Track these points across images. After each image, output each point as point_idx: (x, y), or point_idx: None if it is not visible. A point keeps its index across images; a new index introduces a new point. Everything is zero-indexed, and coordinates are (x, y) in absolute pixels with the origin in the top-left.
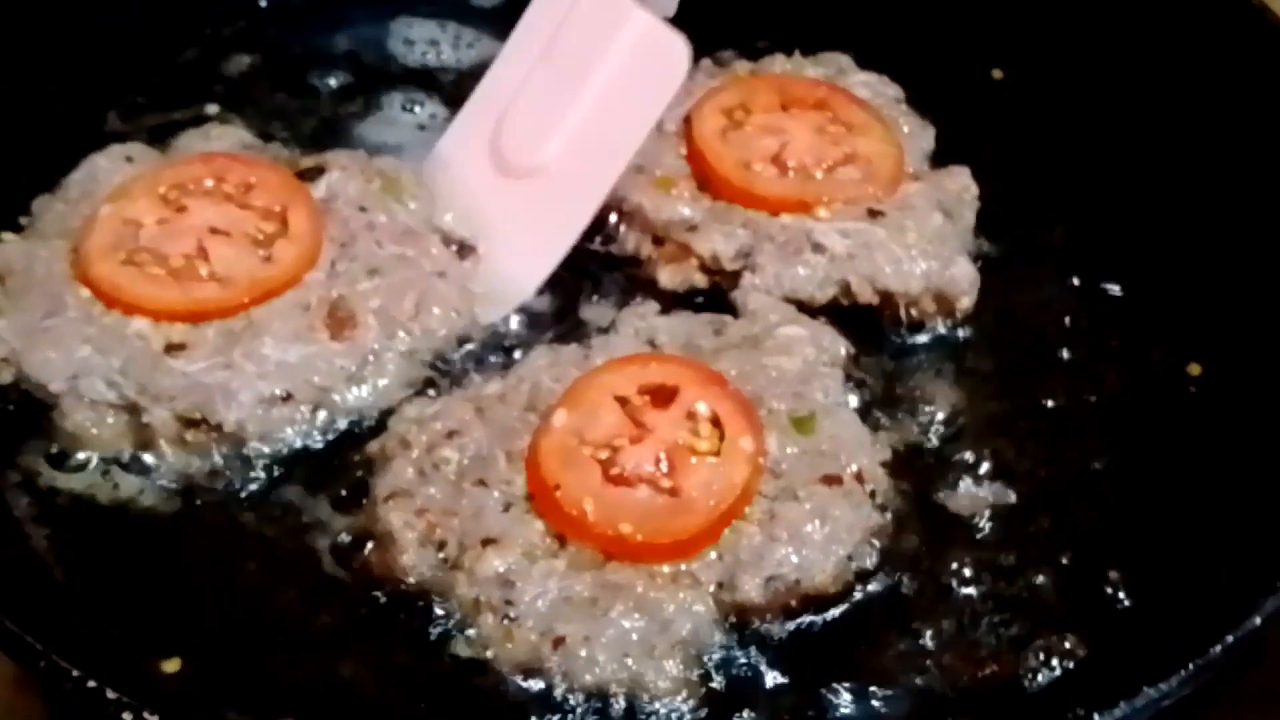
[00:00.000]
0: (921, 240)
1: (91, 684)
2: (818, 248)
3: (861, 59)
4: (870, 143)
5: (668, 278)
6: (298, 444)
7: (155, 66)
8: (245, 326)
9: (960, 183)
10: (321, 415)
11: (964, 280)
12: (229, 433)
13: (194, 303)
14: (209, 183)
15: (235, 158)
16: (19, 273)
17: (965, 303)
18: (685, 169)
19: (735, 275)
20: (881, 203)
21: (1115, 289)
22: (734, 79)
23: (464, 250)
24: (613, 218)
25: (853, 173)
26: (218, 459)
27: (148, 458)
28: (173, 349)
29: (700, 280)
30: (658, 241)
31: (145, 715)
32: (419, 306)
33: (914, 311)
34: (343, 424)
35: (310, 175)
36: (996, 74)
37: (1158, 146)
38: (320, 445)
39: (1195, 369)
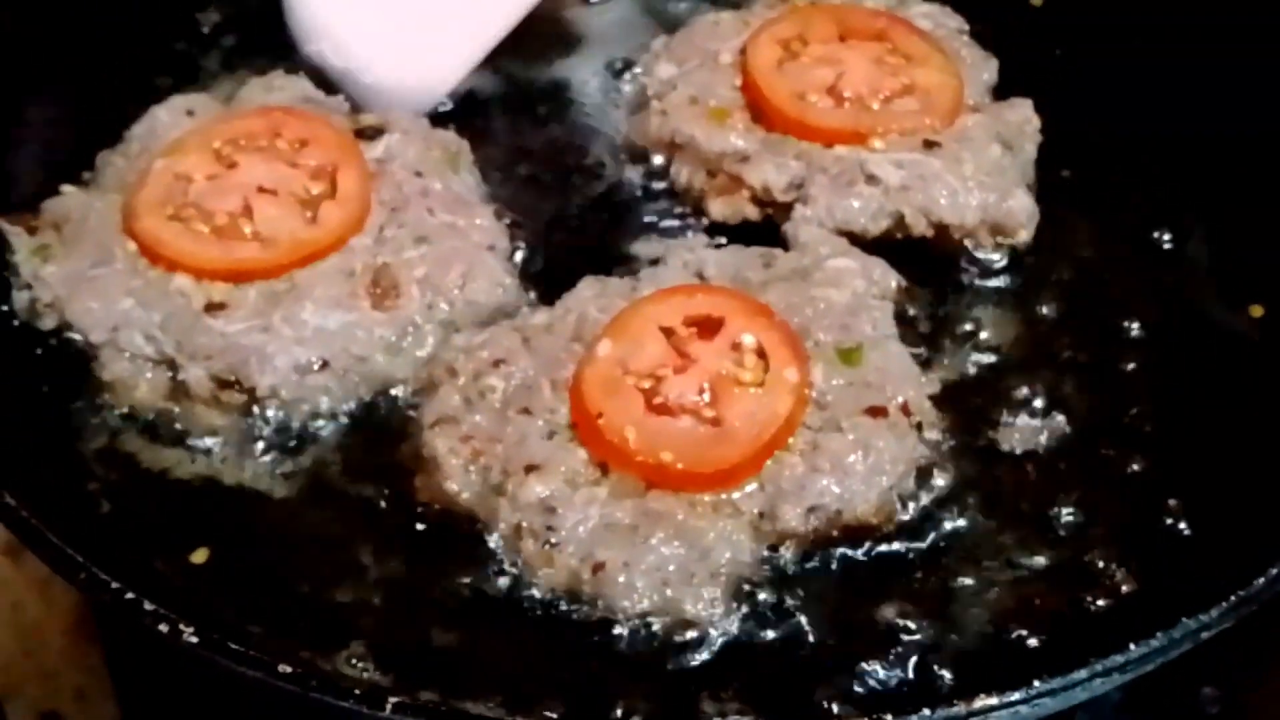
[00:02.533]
0: (978, 172)
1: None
2: (871, 179)
3: None
4: (929, 74)
5: (719, 210)
6: (331, 412)
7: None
8: (288, 289)
9: (1021, 115)
10: (356, 384)
11: (1022, 213)
12: (262, 397)
13: (234, 262)
14: (263, 139)
15: (292, 111)
16: (75, 222)
17: (1023, 236)
18: (740, 100)
19: (787, 207)
20: (938, 134)
21: (1179, 226)
22: (792, 9)
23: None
24: (666, 152)
25: (910, 104)
26: (252, 421)
27: (185, 414)
28: (213, 308)
29: (752, 212)
30: (711, 174)
31: (183, 629)
32: (465, 277)
33: (970, 245)
34: (378, 394)
35: (369, 134)
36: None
37: (1226, 85)
38: (353, 415)
39: (1258, 310)
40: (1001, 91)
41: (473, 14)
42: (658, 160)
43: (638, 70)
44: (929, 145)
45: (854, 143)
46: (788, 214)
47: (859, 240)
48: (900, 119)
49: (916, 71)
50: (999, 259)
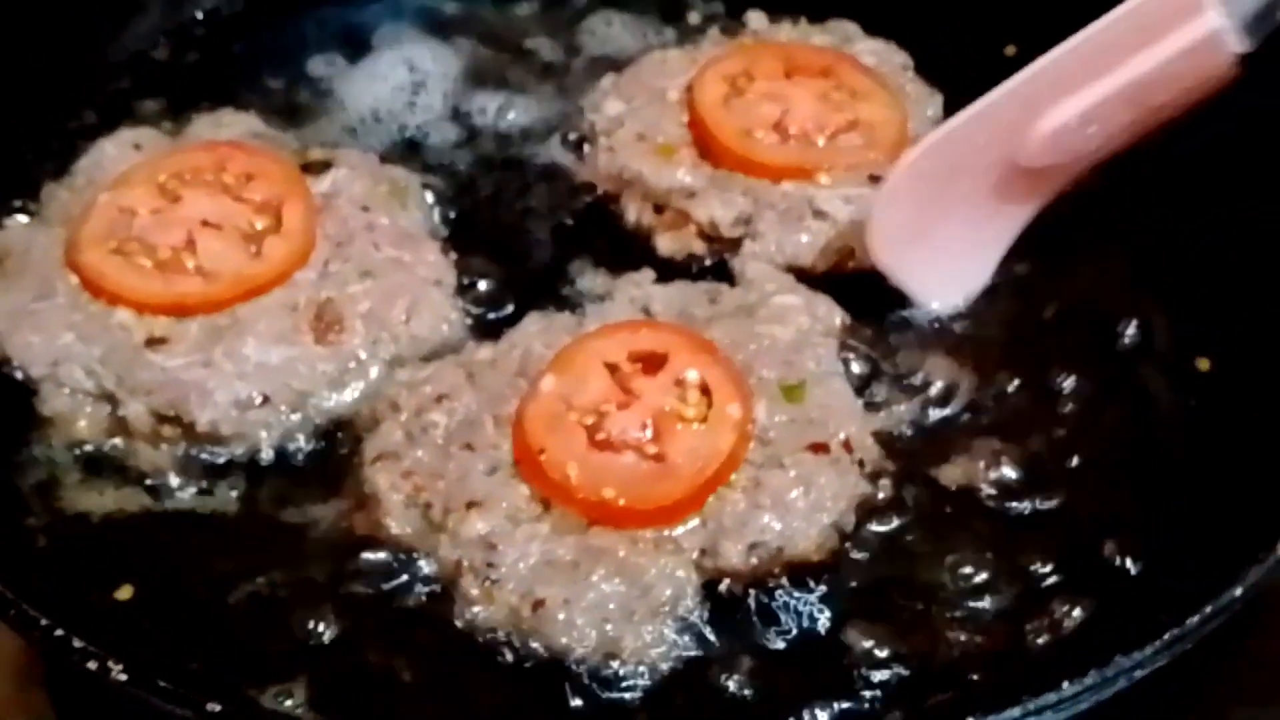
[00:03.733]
0: None
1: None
2: (819, 214)
3: (870, 27)
4: (874, 109)
5: (667, 245)
6: (272, 447)
7: (169, 54)
8: (230, 324)
9: None
10: (298, 420)
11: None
12: (202, 432)
13: (175, 296)
14: (209, 174)
15: (238, 146)
16: (17, 255)
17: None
18: (687, 137)
19: (735, 243)
20: (884, 169)
21: (1130, 274)
22: (739, 46)
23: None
24: (614, 188)
25: (855, 139)
26: (193, 456)
27: (125, 449)
28: (154, 342)
29: (699, 248)
30: (658, 210)
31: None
32: (409, 312)
33: None
34: (319, 430)
35: (316, 169)
36: (1010, 50)
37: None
38: (294, 450)
39: (1204, 364)
40: None
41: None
42: (605, 197)
43: (586, 107)
44: (875, 180)
45: (801, 179)
46: (736, 250)
47: (807, 276)
48: (846, 154)
49: (861, 107)
50: None
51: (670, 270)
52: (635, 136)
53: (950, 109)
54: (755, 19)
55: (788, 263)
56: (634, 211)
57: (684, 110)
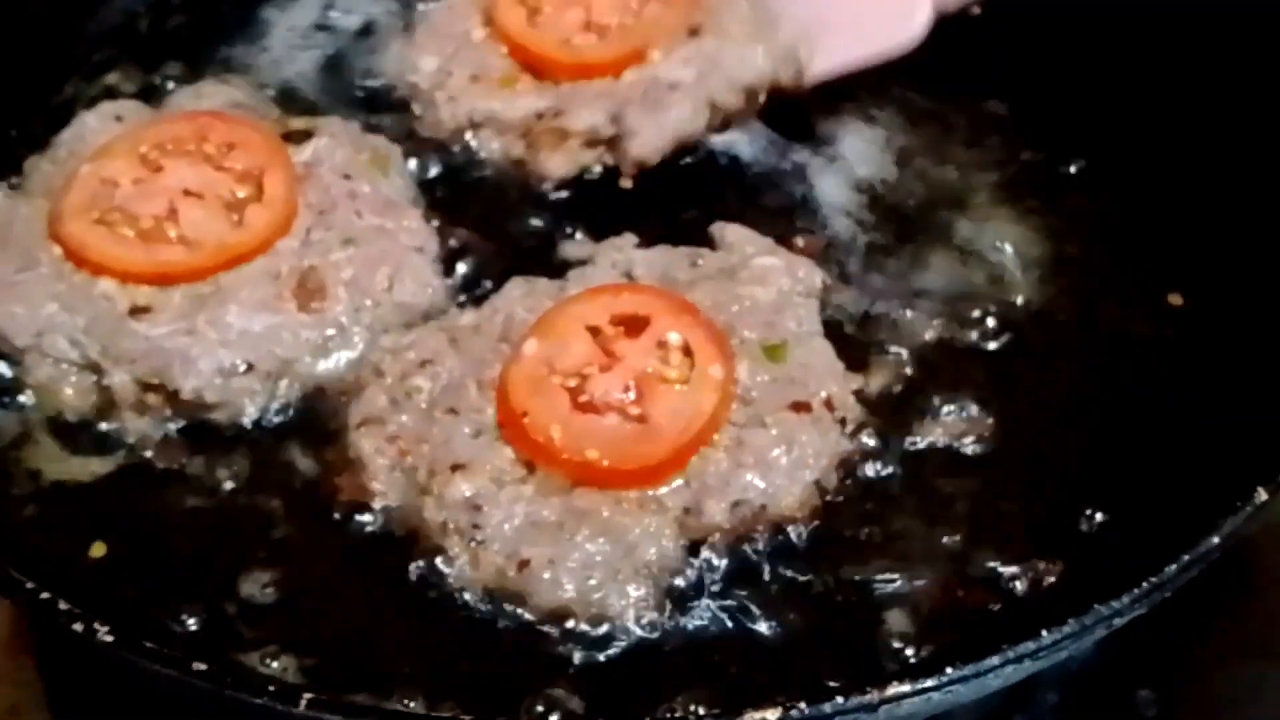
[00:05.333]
0: (745, 26)
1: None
2: (672, 86)
3: None
4: None
5: (558, 166)
6: (257, 414)
7: (150, 25)
8: (213, 292)
9: None
10: (283, 387)
11: (795, 45)
12: (186, 400)
13: (158, 265)
14: (190, 144)
15: (219, 116)
16: None
17: (806, 54)
18: (515, 65)
19: (616, 141)
20: (699, 20)
21: (1097, 214)
22: None
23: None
24: (469, 134)
25: (657, 7)
26: (175, 426)
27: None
28: (137, 311)
29: (588, 157)
30: (525, 139)
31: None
32: (392, 279)
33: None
34: (304, 396)
35: (297, 138)
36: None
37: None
38: (278, 417)
39: (1177, 299)
40: None
41: None
42: (456, 147)
43: (402, 73)
44: (693, 32)
45: (636, 63)
46: (620, 148)
47: (697, 144)
48: (660, 23)
49: None
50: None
51: (649, 236)
52: (470, 80)
53: None
54: None
55: (681, 139)
56: (500, 148)
57: (498, 43)
